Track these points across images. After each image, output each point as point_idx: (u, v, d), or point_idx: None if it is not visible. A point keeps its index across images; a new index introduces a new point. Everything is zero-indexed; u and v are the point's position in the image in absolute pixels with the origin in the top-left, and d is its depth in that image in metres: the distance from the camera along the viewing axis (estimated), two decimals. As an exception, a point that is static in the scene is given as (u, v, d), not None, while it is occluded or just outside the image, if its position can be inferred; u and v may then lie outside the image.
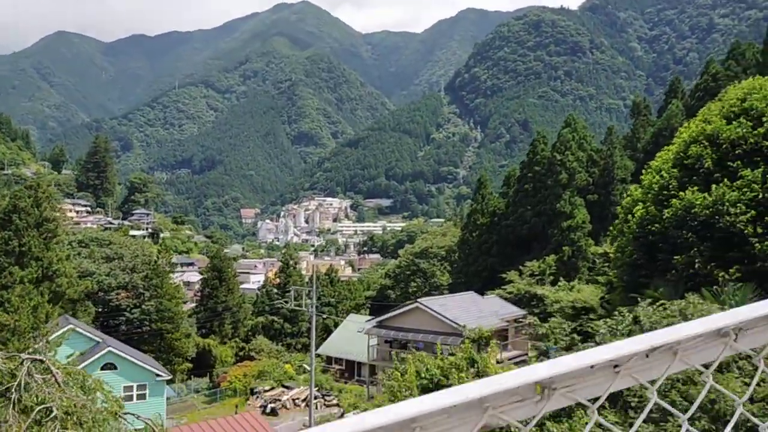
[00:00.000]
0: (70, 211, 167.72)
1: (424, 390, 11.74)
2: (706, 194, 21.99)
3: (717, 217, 21.35)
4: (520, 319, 47.84)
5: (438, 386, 11.55)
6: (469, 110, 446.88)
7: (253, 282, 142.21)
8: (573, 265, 65.79)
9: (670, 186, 24.06)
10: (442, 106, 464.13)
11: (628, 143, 74.97)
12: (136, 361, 37.84)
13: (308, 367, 65.49)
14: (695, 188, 22.67)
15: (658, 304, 14.48)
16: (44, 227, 52.87)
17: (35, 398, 8.47)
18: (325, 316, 79.35)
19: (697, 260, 21.44)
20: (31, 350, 25.82)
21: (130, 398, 37.68)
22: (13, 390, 8.05)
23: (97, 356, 36.57)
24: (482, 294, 62.92)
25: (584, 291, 39.11)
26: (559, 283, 51.75)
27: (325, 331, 74.34)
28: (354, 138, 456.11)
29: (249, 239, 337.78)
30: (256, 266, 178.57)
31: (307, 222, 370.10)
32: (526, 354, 44.40)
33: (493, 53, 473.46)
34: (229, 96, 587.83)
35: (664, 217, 23.06)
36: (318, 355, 66.92)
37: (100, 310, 60.95)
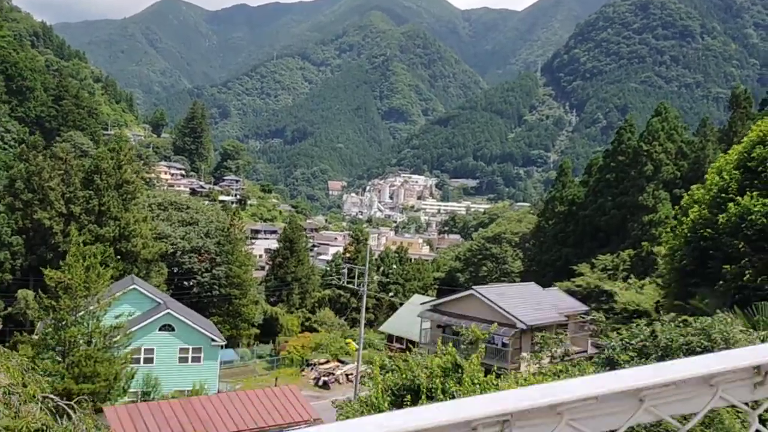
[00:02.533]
0: (165, 173, 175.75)
1: (393, 393, 11.23)
2: (766, 200, 20.02)
3: (776, 226, 19.46)
4: (583, 315, 46.07)
5: (412, 391, 11.01)
6: (566, 93, 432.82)
7: (332, 254, 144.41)
8: (652, 262, 62.68)
9: (729, 189, 22.05)
10: (538, 87, 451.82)
11: (724, 137, 70.16)
12: (193, 325, 39.05)
13: (377, 342, 66.14)
14: (755, 193, 20.70)
15: (681, 319, 13.33)
16: (124, 189, 55.37)
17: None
18: (391, 294, 79.64)
19: (747, 271, 19.63)
20: (81, 309, 27.01)
21: (185, 360, 39.07)
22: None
23: (156, 317, 37.98)
24: (552, 284, 61.22)
25: (647, 292, 37.09)
26: (629, 281, 49.47)
27: (392, 309, 74.50)
28: (444, 116, 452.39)
29: (334, 211, 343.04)
30: (336, 238, 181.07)
31: (391, 198, 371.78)
32: (586, 351, 42.74)
33: (595, 34, 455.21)
34: (324, 69, 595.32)
35: (719, 222, 21.20)
36: (381, 333, 67.42)
37: (175, 271, 63.44)
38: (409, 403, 10.96)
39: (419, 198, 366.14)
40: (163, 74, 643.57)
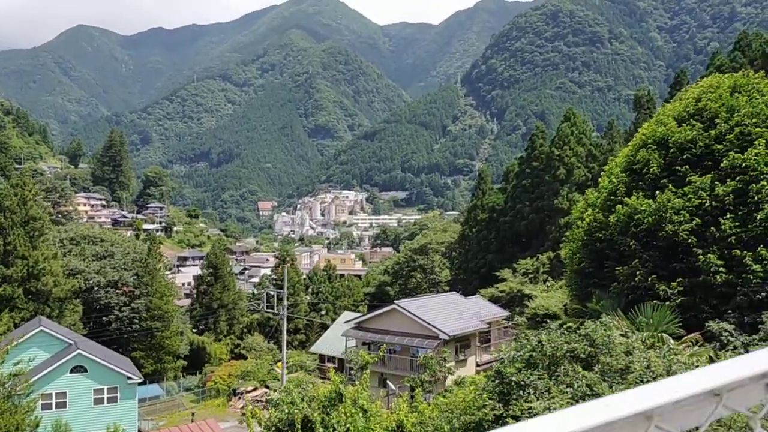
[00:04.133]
0: (84, 204, 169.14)
1: (279, 429, 10.88)
2: (650, 201, 20.78)
3: (661, 224, 20.17)
4: (505, 320, 46.77)
5: (292, 426, 10.66)
6: (486, 102, 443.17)
7: (262, 276, 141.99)
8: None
9: (618, 191, 22.85)
10: (459, 98, 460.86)
11: (630, 137, 73.01)
12: (106, 364, 37.39)
13: (308, 364, 65.16)
14: (641, 194, 21.47)
15: (566, 326, 13.50)
16: (30, 225, 52.84)
17: None
18: (322, 313, 78.85)
19: (638, 272, 20.29)
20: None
21: (101, 401, 37.36)
22: None
23: (66, 359, 36.19)
24: (477, 292, 62.01)
25: (556, 295, 37.96)
26: (547, 283, 50.60)
27: (324, 329, 73.72)
28: (370, 130, 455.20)
29: (265, 232, 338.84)
30: (267, 260, 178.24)
31: (323, 215, 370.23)
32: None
33: (510, 44, 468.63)
34: (246, 89, 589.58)
35: (610, 223, 21.91)
36: (313, 353, 66.54)
37: (96, 307, 60.79)
38: (288, 439, 10.64)
39: (351, 213, 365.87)
40: (79, 103, 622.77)
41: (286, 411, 11.07)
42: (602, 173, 26.74)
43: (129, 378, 37.97)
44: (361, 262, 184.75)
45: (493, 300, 56.67)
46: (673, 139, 21.68)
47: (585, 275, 23.26)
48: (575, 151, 69.29)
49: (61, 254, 57.01)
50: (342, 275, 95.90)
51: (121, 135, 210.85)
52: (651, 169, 21.83)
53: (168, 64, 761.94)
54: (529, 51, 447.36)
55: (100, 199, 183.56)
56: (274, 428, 10.96)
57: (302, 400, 11.49)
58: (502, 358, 13.22)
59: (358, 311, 74.33)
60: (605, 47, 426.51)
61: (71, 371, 36.61)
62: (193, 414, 43.33)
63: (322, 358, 63.32)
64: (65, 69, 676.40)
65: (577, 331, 13.16)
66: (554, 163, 69.06)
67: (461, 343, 40.54)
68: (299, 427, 10.06)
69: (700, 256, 19.42)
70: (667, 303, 18.09)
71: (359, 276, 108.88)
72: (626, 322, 15.86)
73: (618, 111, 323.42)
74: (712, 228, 19.61)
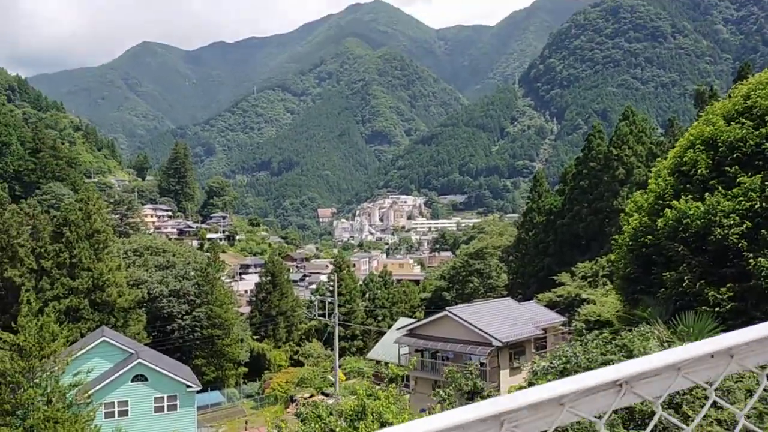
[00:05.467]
0: (151, 216, 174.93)
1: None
2: (699, 204, 19.92)
3: (711, 228, 19.30)
4: (560, 326, 45.83)
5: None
6: (545, 102, 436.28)
7: (319, 283, 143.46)
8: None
9: (666, 194, 21.99)
10: (517, 98, 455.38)
11: (692, 134, 70.52)
12: (166, 373, 38.47)
13: (366, 370, 65.52)
14: (689, 197, 20.60)
15: (602, 336, 13.11)
16: (94, 239, 54.91)
17: None
18: (379, 319, 79.08)
19: (686, 277, 19.45)
20: (38, 369, 26.55)
21: (161, 409, 38.45)
22: None
23: (127, 368, 37.41)
24: (535, 296, 61.01)
25: (610, 300, 36.87)
26: (606, 287, 49.29)
27: (381, 334, 73.89)
28: (427, 134, 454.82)
29: (325, 238, 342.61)
30: (326, 266, 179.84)
31: (381, 220, 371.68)
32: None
33: (569, 42, 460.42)
34: (304, 98, 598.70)
35: (658, 228, 21.11)
36: (370, 360, 66.77)
37: (159, 315, 62.68)
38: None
39: (409, 218, 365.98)
40: (145, 117, 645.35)
41: (313, 425, 11.15)
42: (651, 174, 25.88)
43: (188, 386, 38.95)
44: (419, 266, 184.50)
45: (551, 305, 55.61)
46: (721, 138, 20.76)
47: (632, 281, 22.55)
48: (635, 150, 67.37)
49: (124, 265, 59.04)
50: (399, 280, 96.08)
51: (185, 147, 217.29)
52: (699, 171, 20.97)
53: (229, 76, 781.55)
54: (589, 48, 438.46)
55: (167, 210, 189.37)
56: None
57: (330, 414, 11.54)
58: (536, 370, 12.94)
59: (415, 317, 74.22)
60: (668, 42, 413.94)
61: (132, 380, 37.82)
62: (246, 422, 44.05)
63: (378, 364, 63.39)
64: (131, 85, 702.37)
65: (614, 341, 12.77)
66: (613, 163, 67.36)
67: (515, 350, 39.93)
68: (320, 442, 10.12)
69: (751, 260, 18.56)
70: (717, 309, 17.35)
71: (416, 281, 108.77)
72: (668, 331, 15.32)
73: (683, 107, 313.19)
74: (763, 231, 18.70)
